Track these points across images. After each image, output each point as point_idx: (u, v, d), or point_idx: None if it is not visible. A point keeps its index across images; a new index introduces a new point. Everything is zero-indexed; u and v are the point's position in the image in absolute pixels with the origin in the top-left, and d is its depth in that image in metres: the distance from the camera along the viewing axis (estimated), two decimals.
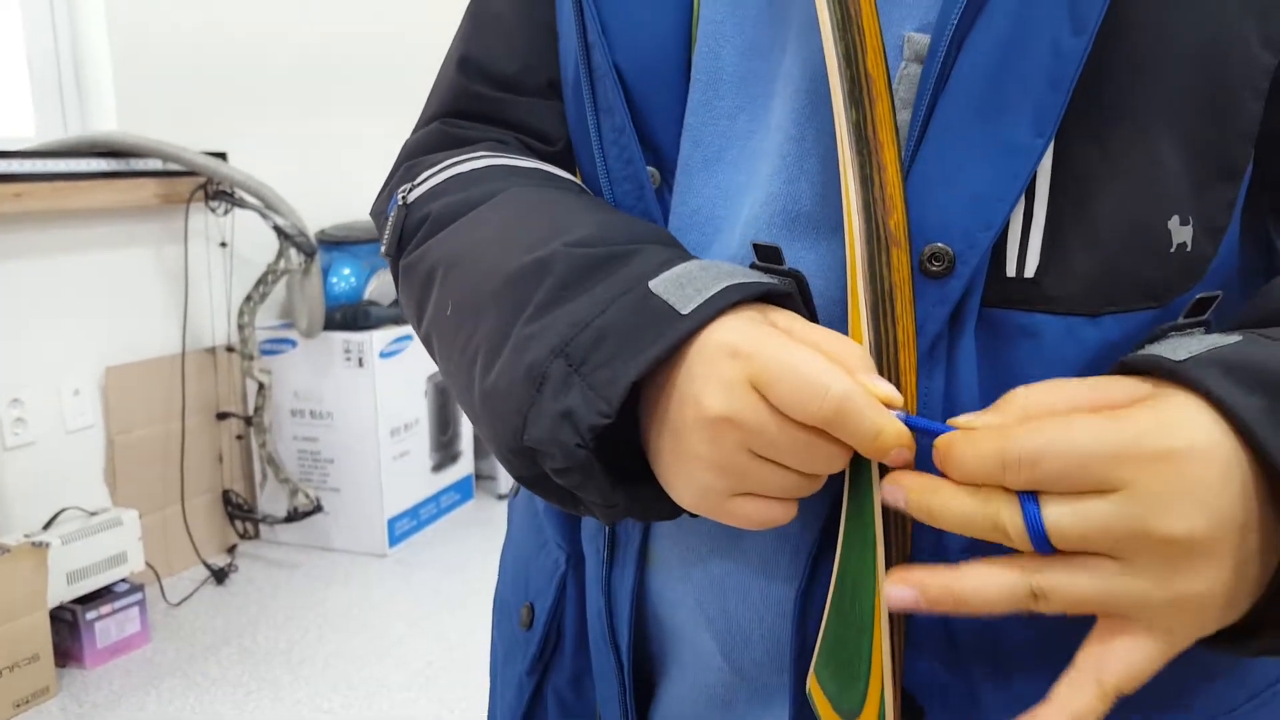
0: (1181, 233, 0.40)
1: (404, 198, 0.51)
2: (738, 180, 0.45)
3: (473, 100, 0.55)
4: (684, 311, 0.36)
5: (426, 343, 0.49)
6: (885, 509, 0.36)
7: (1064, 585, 0.32)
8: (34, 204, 2.03)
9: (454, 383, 0.45)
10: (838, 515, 0.40)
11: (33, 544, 1.89)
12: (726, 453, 0.36)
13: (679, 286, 0.37)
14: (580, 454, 0.37)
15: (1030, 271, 0.39)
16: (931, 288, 0.38)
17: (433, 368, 2.78)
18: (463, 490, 2.99)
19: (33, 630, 1.85)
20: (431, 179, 0.51)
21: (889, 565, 0.37)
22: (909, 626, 0.41)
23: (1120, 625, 0.33)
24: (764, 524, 0.38)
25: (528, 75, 0.53)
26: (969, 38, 0.38)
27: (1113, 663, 0.32)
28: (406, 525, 2.70)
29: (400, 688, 1.96)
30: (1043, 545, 0.32)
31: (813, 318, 0.39)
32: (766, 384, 0.35)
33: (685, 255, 0.41)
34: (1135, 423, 0.31)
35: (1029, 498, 0.32)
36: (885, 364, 0.38)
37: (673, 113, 0.46)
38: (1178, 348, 0.34)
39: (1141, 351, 0.35)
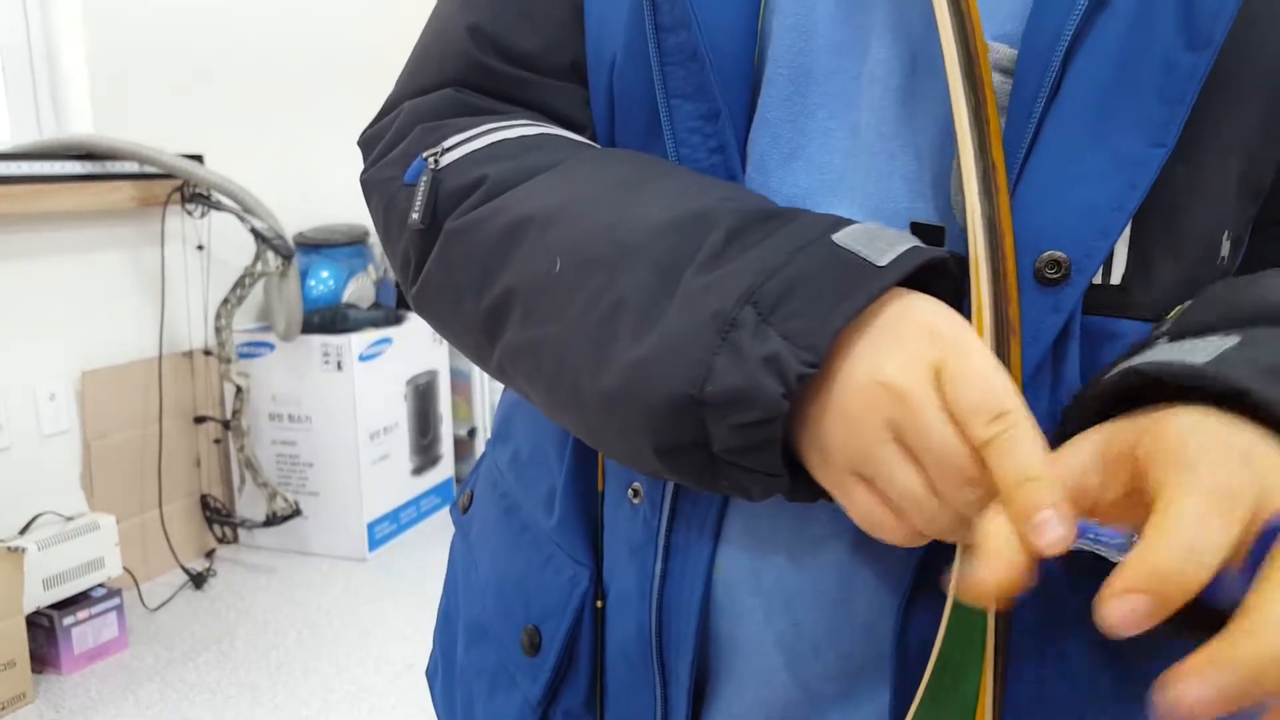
0: (1225, 246, 0.42)
1: (435, 160, 0.47)
2: (819, 179, 0.44)
3: (485, 74, 0.51)
4: (880, 264, 0.35)
5: (496, 312, 0.44)
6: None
7: None
8: (8, 207, 2.02)
9: (565, 348, 0.41)
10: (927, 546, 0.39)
11: (8, 549, 1.87)
12: (876, 422, 0.35)
13: (868, 240, 0.37)
14: (783, 405, 0.34)
15: (1117, 279, 0.40)
16: (1046, 296, 0.38)
17: (412, 370, 2.77)
18: (443, 494, 2.99)
19: (9, 636, 1.84)
20: (469, 143, 0.47)
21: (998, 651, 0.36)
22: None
23: None
24: (867, 521, 0.37)
25: (549, 54, 0.50)
26: (1078, 50, 0.38)
27: None
28: (386, 529, 2.69)
29: (380, 692, 1.95)
30: None
31: (958, 304, 0.39)
32: (951, 378, 0.34)
33: (848, 220, 0.39)
34: None
35: None
36: None
37: (740, 105, 0.44)
38: (1186, 351, 0.34)
39: (1149, 358, 0.35)
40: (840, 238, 0.37)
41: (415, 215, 0.46)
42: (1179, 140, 0.38)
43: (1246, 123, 0.40)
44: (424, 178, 0.47)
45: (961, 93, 0.37)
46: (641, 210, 0.40)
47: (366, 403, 2.58)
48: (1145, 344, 0.38)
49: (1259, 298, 0.37)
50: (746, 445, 0.36)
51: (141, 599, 2.31)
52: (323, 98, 2.88)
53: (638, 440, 0.39)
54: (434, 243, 0.46)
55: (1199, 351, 0.34)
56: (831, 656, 0.45)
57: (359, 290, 2.70)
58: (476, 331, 0.46)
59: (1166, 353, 0.34)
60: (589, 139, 0.49)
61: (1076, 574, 0.36)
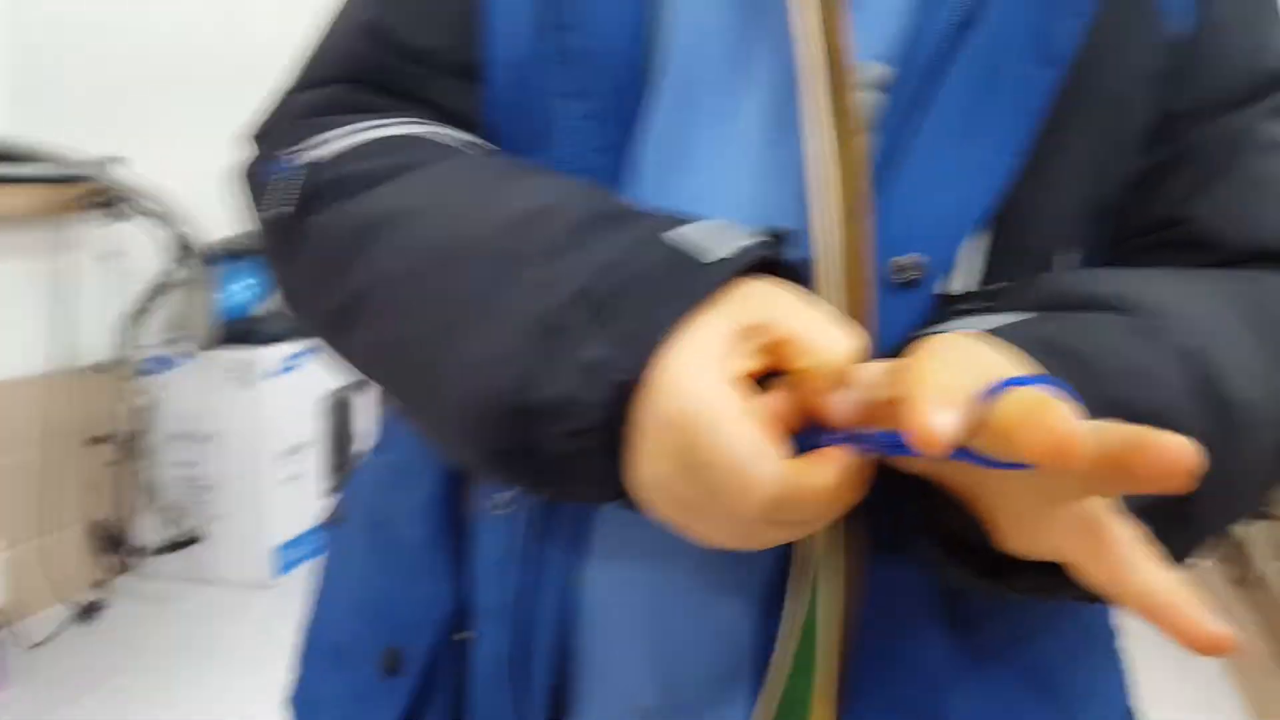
0: (1075, 261, 0.46)
1: (305, 158, 0.46)
2: (706, 187, 0.45)
3: (379, 71, 0.50)
4: (706, 261, 0.36)
5: (346, 311, 0.43)
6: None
7: None
8: None
9: (407, 348, 0.41)
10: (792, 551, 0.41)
11: None
12: (669, 443, 0.35)
13: (705, 238, 0.37)
14: (600, 415, 0.34)
15: (963, 288, 0.42)
16: (901, 299, 0.41)
17: (332, 384, 2.66)
18: None
19: None
20: (342, 140, 0.47)
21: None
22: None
23: None
24: (693, 536, 0.38)
25: (448, 53, 0.49)
26: (948, 67, 0.42)
27: None
28: (297, 553, 2.57)
29: None
30: None
31: None
32: (788, 357, 0.35)
33: (694, 217, 0.39)
34: None
35: None
36: None
37: (629, 108, 0.45)
38: (979, 324, 0.37)
39: (943, 328, 0.37)
40: (675, 235, 0.37)
41: (276, 211, 0.47)
42: (1034, 158, 0.42)
43: (1094, 144, 0.44)
44: (288, 175, 0.47)
45: (822, 107, 0.41)
46: (494, 207, 0.41)
47: (276, 420, 2.48)
48: (943, 316, 0.40)
49: (1067, 288, 0.41)
50: (572, 454, 0.36)
51: (21, 636, 2.13)
52: (245, 104, 2.74)
53: (471, 447, 0.39)
54: (294, 240, 0.46)
55: (989, 324, 0.36)
56: (699, 665, 0.46)
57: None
58: (332, 330, 0.46)
59: (959, 325, 0.37)
60: (482, 138, 0.49)
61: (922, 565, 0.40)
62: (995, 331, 0.35)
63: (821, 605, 0.41)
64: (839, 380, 0.34)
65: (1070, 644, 0.50)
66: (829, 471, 0.34)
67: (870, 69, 0.42)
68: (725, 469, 0.33)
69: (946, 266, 0.41)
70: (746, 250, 0.36)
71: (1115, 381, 0.35)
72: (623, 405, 0.35)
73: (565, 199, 0.40)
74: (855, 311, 0.40)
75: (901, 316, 0.41)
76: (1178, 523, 0.35)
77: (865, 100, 0.42)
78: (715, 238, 0.37)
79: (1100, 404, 0.32)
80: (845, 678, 0.42)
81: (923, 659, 0.44)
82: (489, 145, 0.48)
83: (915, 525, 0.39)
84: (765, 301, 0.36)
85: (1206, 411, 0.36)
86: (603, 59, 0.44)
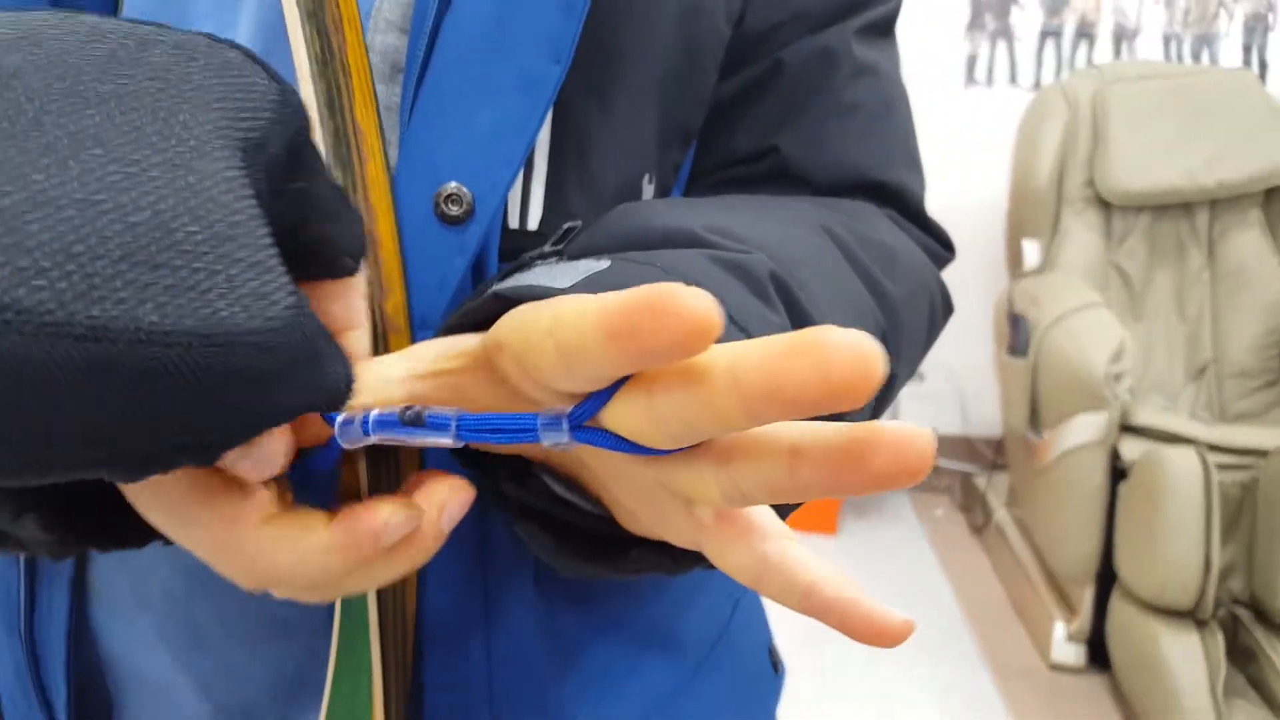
0: (648, 191, 0.42)
1: None
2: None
3: None
4: None
5: None
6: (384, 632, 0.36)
7: None
8: None
9: None
10: None
11: None
12: None
13: None
14: None
15: (534, 224, 0.39)
16: (450, 236, 0.36)
17: None
18: None
19: None
20: None
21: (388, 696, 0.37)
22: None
23: None
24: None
25: None
26: None
27: None
28: None
29: None
30: None
31: None
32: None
33: None
34: None
35: None
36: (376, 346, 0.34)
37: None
38: (555, 275, 0.32)
39: (516, 282, 0.32)
40: None
41: None
42: (595, 82, 0.39)
43: (662, 68, 0.41)
44: None
45: (302, 42, 0.34)
46: None
47: None
48: (518, 266, 0.35)
49: (639, 224, 0.36)
50: None
51: None
52: None
53: None
54: None
55: (567, 275, 0.31)
56: (250, 689, 0.41)
57: None
58: None
59: (536, 277, 0.32)
60: None
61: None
62: (581, 284, 0.30)
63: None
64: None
65: (683, 595, 0.47)
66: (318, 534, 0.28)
67: None
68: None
69: (496, 198, 0.36)
70: None
71: None
72: None
73: None
74: (383, 307, 0.34)
75: (453, 256, 0.36)
76: None
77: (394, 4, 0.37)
78: None
79: None
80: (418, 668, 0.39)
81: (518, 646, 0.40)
82: None
83: (509, 510, 0.34)
84: None
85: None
86: None
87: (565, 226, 0.37)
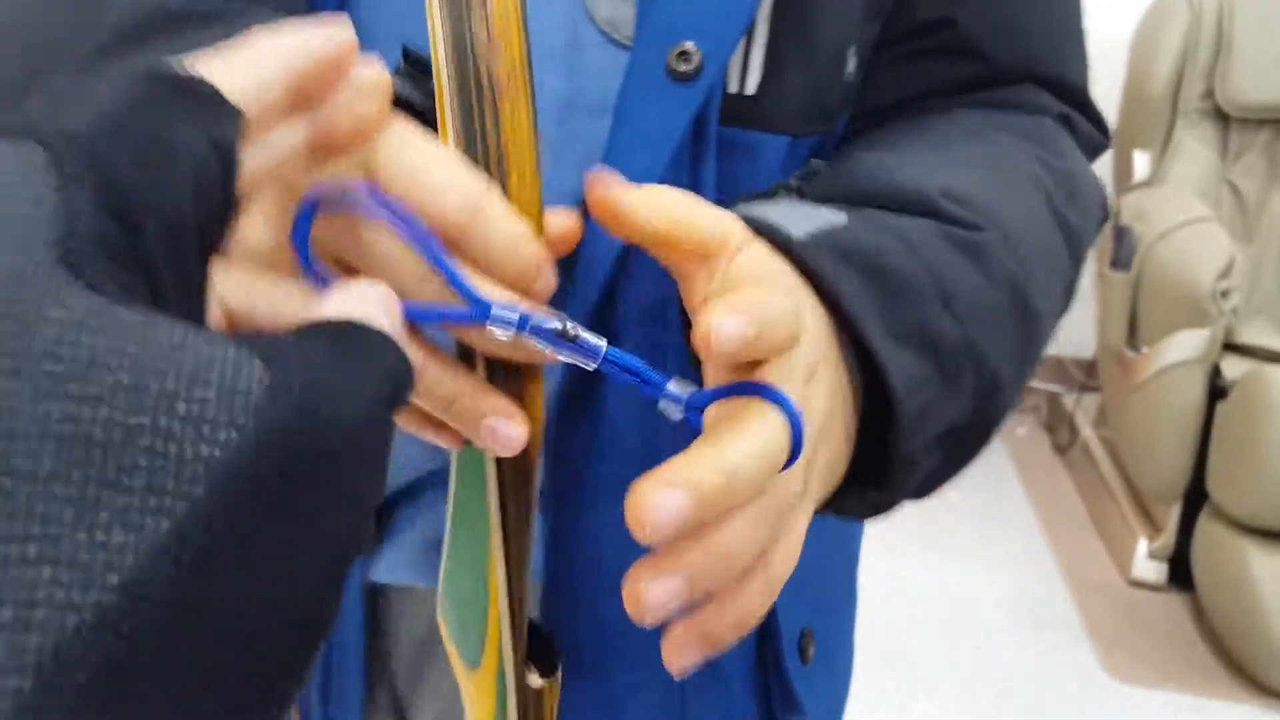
0: (851, 62, 0.44)
1: None
2: (383, 10, 0.40)
3: None
4: None
5: None
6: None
7: None
8: None
9: None
10: None
11: None
12: None
13: None
14: None
15: (752, 89, 0.41)
16: (678, 91, 0.38)
17: None
18: None
19: None
20: None
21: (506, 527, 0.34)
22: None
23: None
24: None
25: None
26: None
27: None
28: None
29: None
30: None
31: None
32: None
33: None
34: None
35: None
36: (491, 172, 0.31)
37: None
38: (795, 218, 0.34)
39: (763, 215, 0.34)
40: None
41: None
42: None
43: None
44: None
45: None
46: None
47: None
48: (771, 192, 0.38)
49: (885, 180, 0.38)
50: None
51: None
52: None
53: None
54: None
55: (806, 222, 0.34)
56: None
57: None
58: None
59: (779, 213, 0.34)
60: None
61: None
62: (814, 236, 0.33)
63: None
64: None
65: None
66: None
67: None
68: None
69: (723, 56, 0.38)
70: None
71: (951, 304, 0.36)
72: None
73: None
74: (500, 140, 0.31)
75: (679, 111, 0.38)
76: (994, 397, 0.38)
77: None
78: None
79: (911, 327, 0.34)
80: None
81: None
82: None
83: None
84: None
85: (1020, 325, 0.39)
86: None
87: (809, 168, 0.40)
